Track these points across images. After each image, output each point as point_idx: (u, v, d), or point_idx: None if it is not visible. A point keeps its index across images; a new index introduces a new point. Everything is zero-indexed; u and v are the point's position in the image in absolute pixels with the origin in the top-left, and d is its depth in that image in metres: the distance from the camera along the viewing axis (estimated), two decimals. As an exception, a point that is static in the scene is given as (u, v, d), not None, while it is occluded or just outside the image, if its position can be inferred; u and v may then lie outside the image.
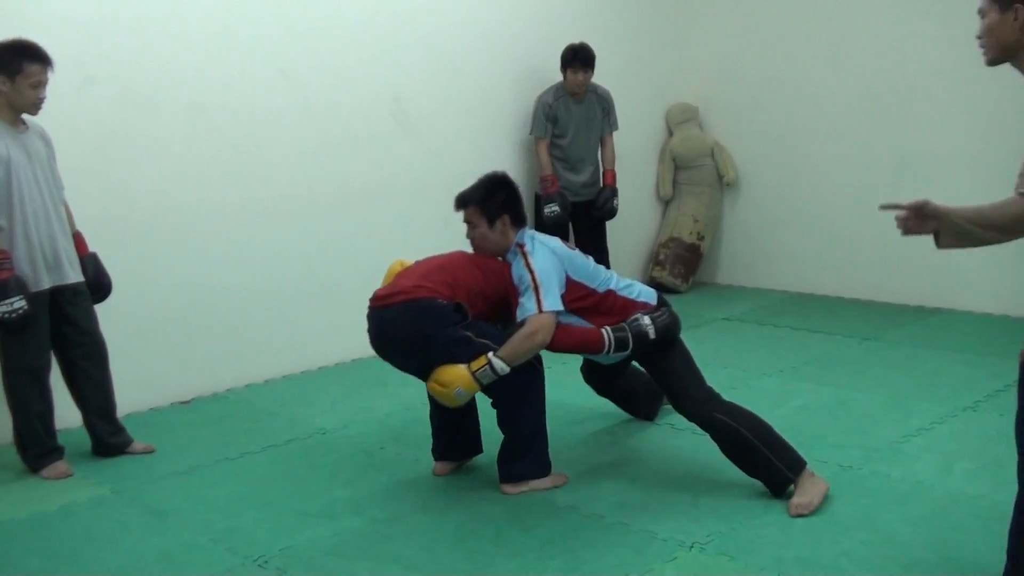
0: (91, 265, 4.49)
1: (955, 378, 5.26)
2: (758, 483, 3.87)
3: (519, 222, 4.06)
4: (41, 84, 4.16)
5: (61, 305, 4.34)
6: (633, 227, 7.75)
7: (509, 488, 4.00)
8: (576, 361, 4.58)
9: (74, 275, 4.38)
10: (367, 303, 3.99)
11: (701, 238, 7.86)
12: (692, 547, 3.48)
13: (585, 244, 6.45)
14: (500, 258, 4.06)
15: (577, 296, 3.92)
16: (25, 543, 3.71)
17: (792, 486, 3.77)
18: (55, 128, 4.42)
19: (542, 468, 4.02)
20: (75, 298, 4.38)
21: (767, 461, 3.76)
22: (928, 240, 2.69)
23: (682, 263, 7.80)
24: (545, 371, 4.03)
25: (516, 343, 3.75)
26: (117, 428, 4.61)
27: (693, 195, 7.88)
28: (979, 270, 6.49)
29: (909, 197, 2.62)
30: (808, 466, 3.80)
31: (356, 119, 6.00)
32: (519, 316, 3.81)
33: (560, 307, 3.80)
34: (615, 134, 6.90)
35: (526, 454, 3.98)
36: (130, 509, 4.01)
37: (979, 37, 2.63)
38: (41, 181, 4.24)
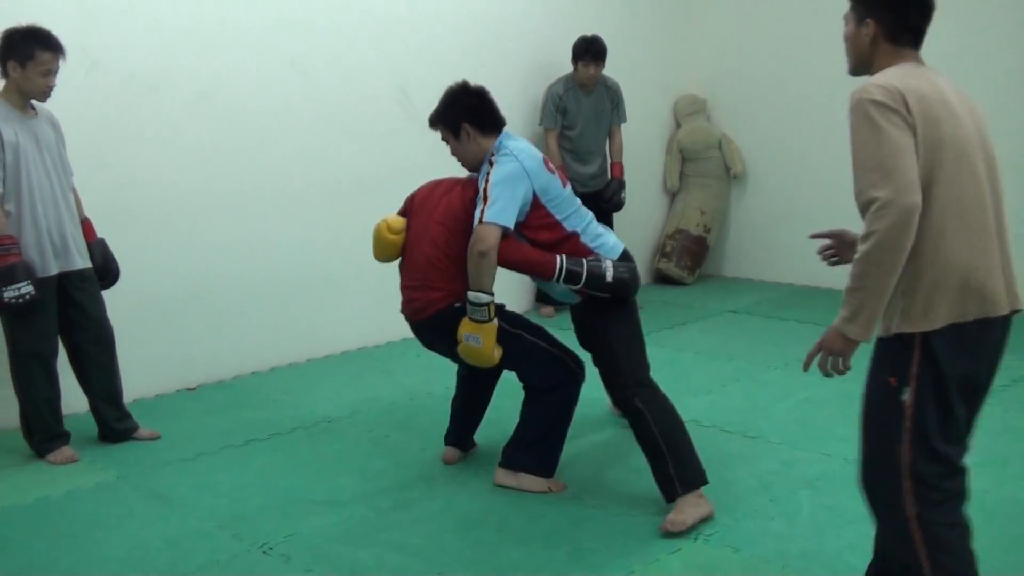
0: (99, 251, 4.50)
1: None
2: (762, 476, 3.87)
3: (488, 128, 3.85)
4: (51, 72, 4.16)
5: (68, 291, 4.35)
6: (640, 219, 7.74)
7: (501, 476, 3.98)
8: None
9: (82, 261, 4.39)
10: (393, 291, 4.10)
11: (708, 230, 7.86)
12: (696, 539, 3.48)
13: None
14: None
15: (539, 224, 3.72)
16: (31, 527, 3.72)
17: (676, 501, 3.58)
18: (62, 115, 4.42)
19: (542, 467, 3.95)
20: (82, 284, 4.39)
21: (664, 466, 3.60)
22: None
23: (689, 255, 7.80)
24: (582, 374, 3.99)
25: (470, 266, 3.63)
26: (123, 414, 4.62)
27: (700, 187, 7.88)
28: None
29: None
30: (703, 489, 3.62)
31: (363, 109, 6.00)
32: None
33: (505, 222, 3.57)
34: (623, 126, 6.90)
35: (531, 445, 3.95)
36: (136, 495, 4.02)
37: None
38: (50, 167, 4.25)
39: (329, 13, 5.78)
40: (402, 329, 6.35)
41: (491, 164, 3.74)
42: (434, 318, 3.89)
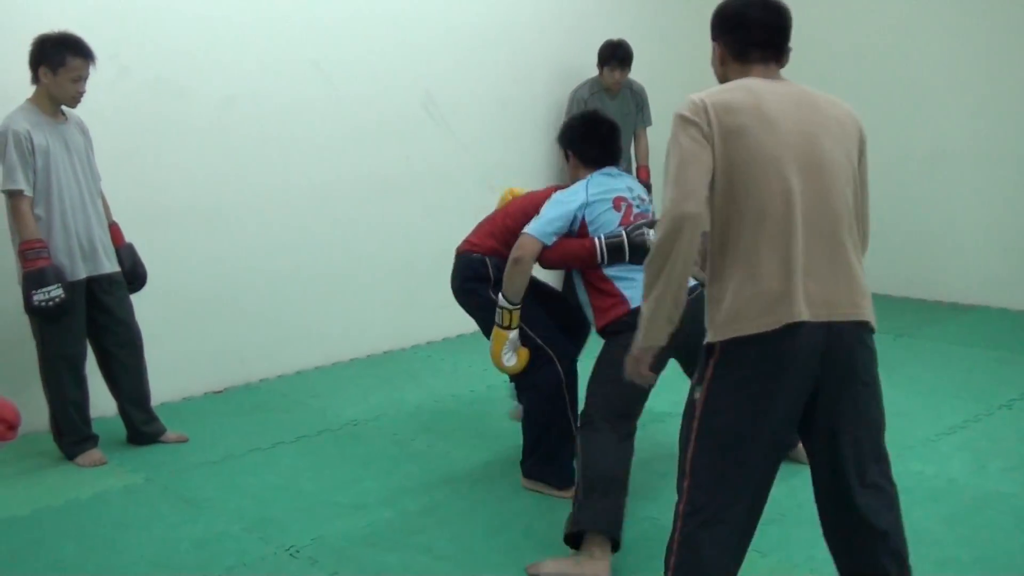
0: (127, 255, 4.54)
1: (989, 376, 5.22)
2: (788, 479, 3.84)
3: (588, 162, 3.90)
4: (82, 79, 4.21)
5: (97, 294, 4.38)
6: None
7: (524, 480, 4.03)
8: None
9: (110, 265, 4.42)
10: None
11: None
12: (723, 543, 3.46)
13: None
14: None
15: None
16: (60, 529, 3.76)
17: (574, 547, 3.32)
18: (90, 118, 4.47)
19: (554, 477, 3.92)
20: (111, 288, 4.43)
21: (575, 503, 3.35)
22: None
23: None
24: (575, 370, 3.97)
25: (505, 271, 3.76)
26: (151, 417, 4.65)
27: (724, 189, 7.84)
28: (1015, 268, 6.42)
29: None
30: (613, 551, 3.30)
31: (388, 111, 6.01)
32: None
33: (543, 238, 3.68)
34: (648, 129, 6.88)
35: (532, 452, 3.98)
36: (163, 497, 4.05)
37: None
38: (79, 172, 4.29)
39: (353, 16, 5.80)
40: (427, 333, 6.43)
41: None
42: (455, 261, 4.15)
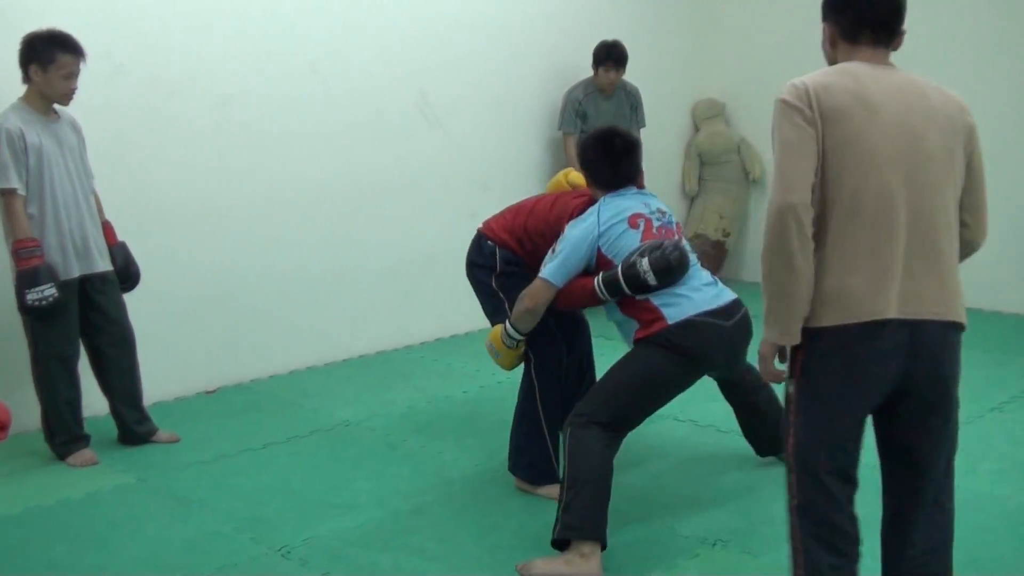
0: (120, 254, 4.53)
1: (982, 378, 5.22)
2: (780, 481, 3.84)
3: (602, 185, 3.84)
4: (73, 75, 4.19)
5: (90, 294, 4.38)
6: (658, 223, 7.72)
7: (516, 480, 4.04)
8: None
9: (103, 264, 4.42)
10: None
11: (727, 234, 7.83)
12: (715, 544, 3.47)
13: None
14: None
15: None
16: (51, 529, 3.75)
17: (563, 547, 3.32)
18: (84, 116, 4.45)
19: (539, 475, 3.94)
20: (104, 287, 4.42)
21: (561, 503, 3.35)
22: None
23: (707, 260, 7.76)
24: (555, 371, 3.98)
25: (515, 307, 3.80)
26: (143, 416, 4.64)
27: (719, 191, 7.86)
28: (1008, 271, 6.43)
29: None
30: (601, 551, 3.30)
31: (382, 111, 6.01)
32: None
33: (558, 281, 3.67)
34: (642, 130, 6.88)
35: (518, 447, 4.01)
36: (155, 497, 4.04)
37: None
38: (72, 170, 4.28)
39: (348, 15, 5.80)
40: (420, 333, 6.43)
41: (581, 213, 3.80)
42: (477, 235, 4.17)
